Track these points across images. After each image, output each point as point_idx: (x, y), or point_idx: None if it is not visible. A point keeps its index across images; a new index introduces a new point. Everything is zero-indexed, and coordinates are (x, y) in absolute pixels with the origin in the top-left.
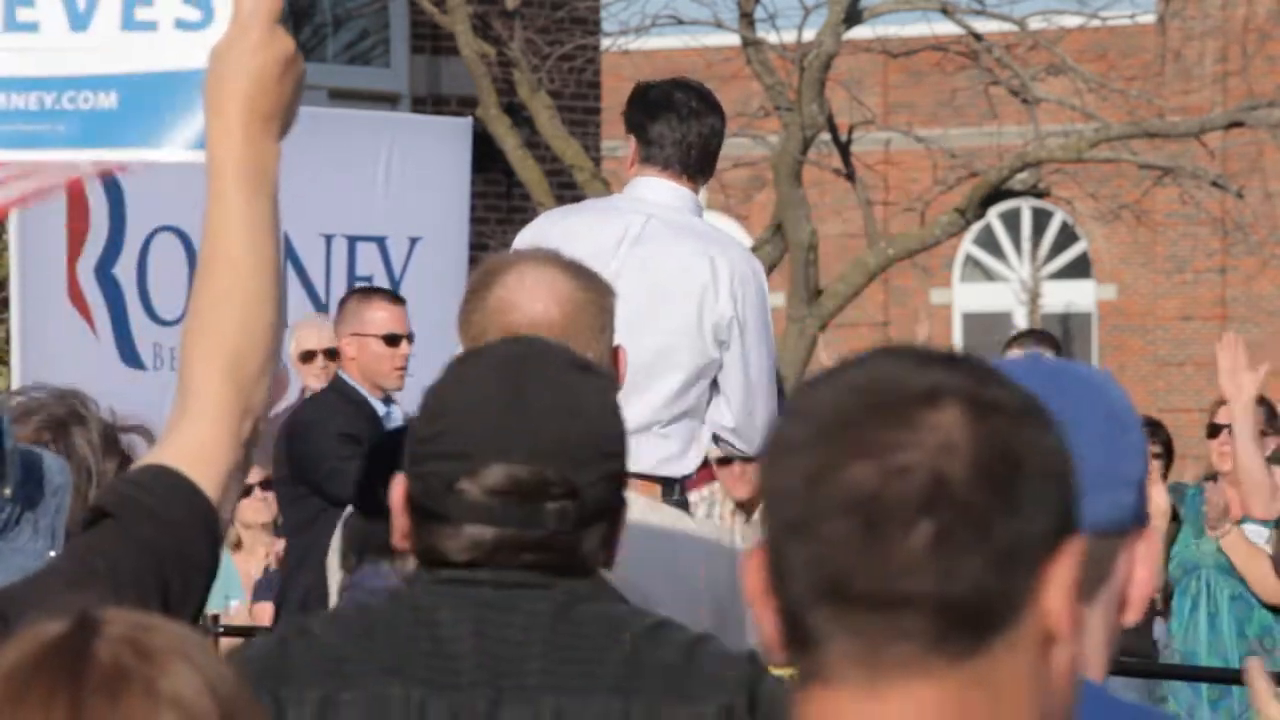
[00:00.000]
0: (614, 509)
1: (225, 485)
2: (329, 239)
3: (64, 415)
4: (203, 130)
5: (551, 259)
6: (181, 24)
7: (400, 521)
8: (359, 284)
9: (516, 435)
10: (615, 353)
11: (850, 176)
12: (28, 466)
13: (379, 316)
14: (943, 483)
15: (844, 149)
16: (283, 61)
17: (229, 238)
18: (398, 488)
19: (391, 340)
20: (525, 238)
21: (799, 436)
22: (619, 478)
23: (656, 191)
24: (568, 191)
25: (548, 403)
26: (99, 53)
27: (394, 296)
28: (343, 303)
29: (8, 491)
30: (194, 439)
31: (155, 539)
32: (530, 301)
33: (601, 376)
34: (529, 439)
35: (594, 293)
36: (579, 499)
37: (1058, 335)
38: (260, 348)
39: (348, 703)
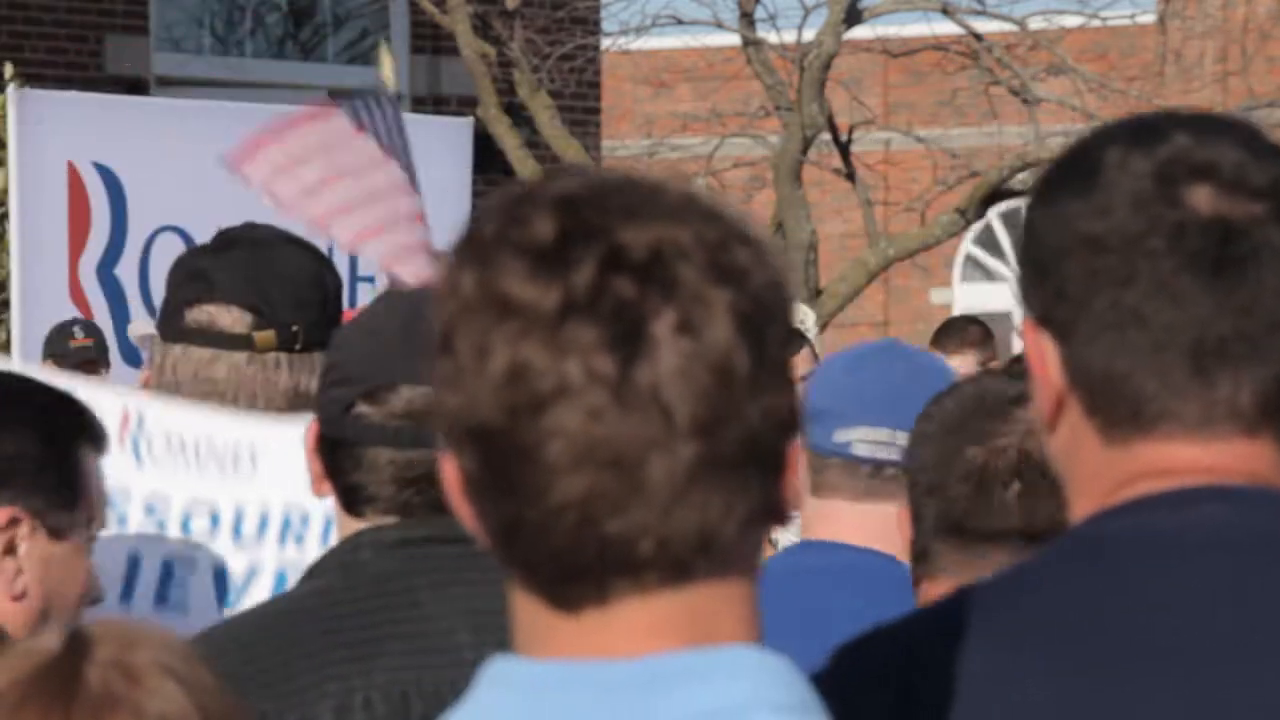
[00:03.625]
0: None
1: None
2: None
3: None
4: None
5: None
6: None
7: (314, 466)
8: (361, 284)
9: (412, 359)
10: None
11: (850, 176)
12: None
13: None
14: (1027, 457)
15: (844, 149)
16: None
17: None
18: (310, 431)
19: None
20: None
21: (931, 430)
22: None
23: None
24: None
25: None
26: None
27: None
28: None
29: None
30: None
31: None
32: None
33: None
34: (417, 360)
35: None
36: None
37: None
38: None
39: (364, 704)
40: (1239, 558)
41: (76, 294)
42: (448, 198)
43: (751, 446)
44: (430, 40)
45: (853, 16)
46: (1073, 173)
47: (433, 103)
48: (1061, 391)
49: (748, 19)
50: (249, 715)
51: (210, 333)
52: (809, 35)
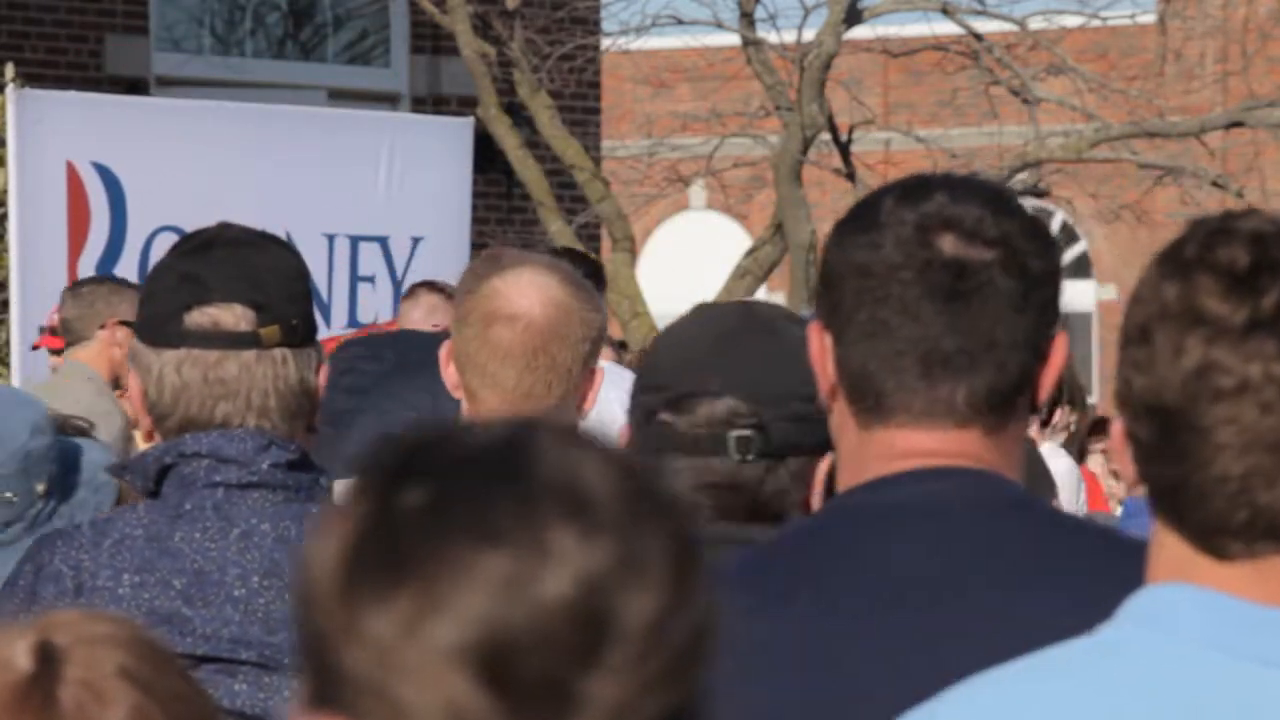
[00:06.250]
0: (806, 450)
1: None
2: (331, 239)
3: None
4: None
5: (555, 267)
6: None
7: None
8: (362, 284)
9: (716, 371)
10: (591, 372)
11: (850, 176)
12: (66, 459)
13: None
14: None
15: (844, 149)
16: None
17: None
18: (623, 433)
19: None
20: None
21: None
22: (810, 420)
23: None
24: (567, 191)
25: (745, 344)
26: None
27: (447, 291)
28: (414, 293)
29: (40, 488)
30: None
31: None
32: (518, 295)
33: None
34: (726, 375)
35: (583, 305)
36: (764, 431)
37: None
38: None
39: None
40: (948, 521)
41: None
42: (448, 197)
43: None
44: (430, 40)
45: (853, 16)
46: (858, 216)
47: (433, 103)
48: (834, 383)
49: (748, 19)
50: (216, 715)
51: (216, 334)
52: (809, 35)
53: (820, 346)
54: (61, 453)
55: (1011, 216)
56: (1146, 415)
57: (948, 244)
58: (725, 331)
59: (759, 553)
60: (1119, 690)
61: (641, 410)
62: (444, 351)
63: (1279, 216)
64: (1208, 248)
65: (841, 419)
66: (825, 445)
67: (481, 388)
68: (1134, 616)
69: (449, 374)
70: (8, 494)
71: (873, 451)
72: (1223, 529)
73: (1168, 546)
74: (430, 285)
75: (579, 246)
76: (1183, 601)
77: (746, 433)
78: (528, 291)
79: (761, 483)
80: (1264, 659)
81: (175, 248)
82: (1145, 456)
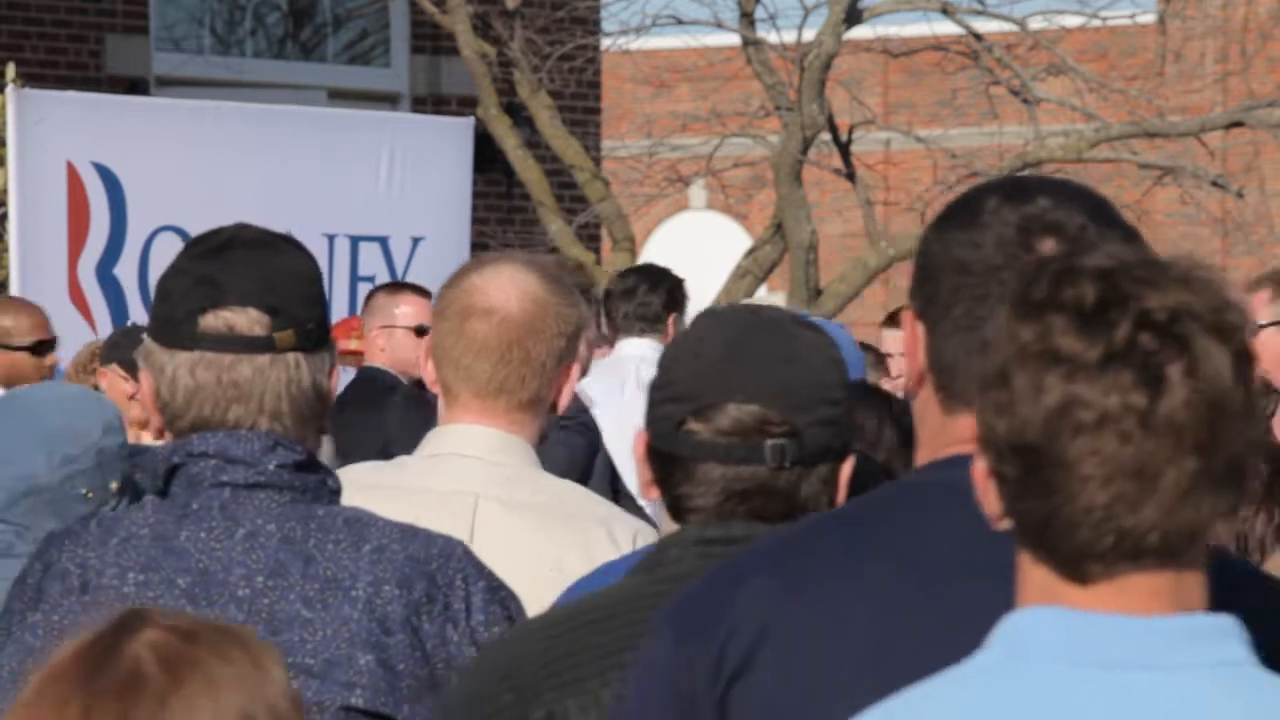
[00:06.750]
0: (835, 454)
1: None
2: (331, 239)
3: None
4: None
5: (536, 265)
6: None
7: (643, 472)
8: (362, 284)
9: (738, 378)
10: (567, 369)
11: (850, 176)
12: (137, 459)
13: (408, 310)
14: None
15: (844, 149)
16: None
17: None
18: (639, 441)
19: (421, 332)
20: None
21: None
22: (838, 424)
23: None
24: (568, 191)
25: (768, 350)
26: None
27: (421, 290)
28: (370, 296)
29: (114, 485)
30: None
31: None
32: (496, 290)
33: (822, 333)
34: (750, 381)
35: (560, 301)
36: (798, 438)
37: None
38: None
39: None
40: None
41: (76, 294)
42: (448, 197)
43: (1234, 463)
44: (430, 40)
45: (853, 16)
46: (959, 212)
47: (433, 103)
48: (923, 368)
49: (748, 19)
50: None
51: (230, 338)
52: (809, 35)
53: (913, 334)
54: (133, 453)
55: (1111, 226)
56: (1011, 454)
57: (1049, 249)
58: (737, 337)
59: (824, 521)
60: (986, 715)
61: (667, 421)
62: (424, 348)
63: (1120, 250)
64: (1056, 287)
65: (926, 403)
66: (850, 448)
67: (456, 381)
68: (1000, 641)
69: (427, 370)
70: (84, 489)
71: (954, 435)
72: (1088, 555)
73: (1034, 576)
74: (395, 287)
75: (579, 246)
76: (1043, 622)
77: (781, 441)
78: (505, 287)
79: (796, 488)
80: (1122, 663)
81: (193, 246)
82: (1012, 494)
